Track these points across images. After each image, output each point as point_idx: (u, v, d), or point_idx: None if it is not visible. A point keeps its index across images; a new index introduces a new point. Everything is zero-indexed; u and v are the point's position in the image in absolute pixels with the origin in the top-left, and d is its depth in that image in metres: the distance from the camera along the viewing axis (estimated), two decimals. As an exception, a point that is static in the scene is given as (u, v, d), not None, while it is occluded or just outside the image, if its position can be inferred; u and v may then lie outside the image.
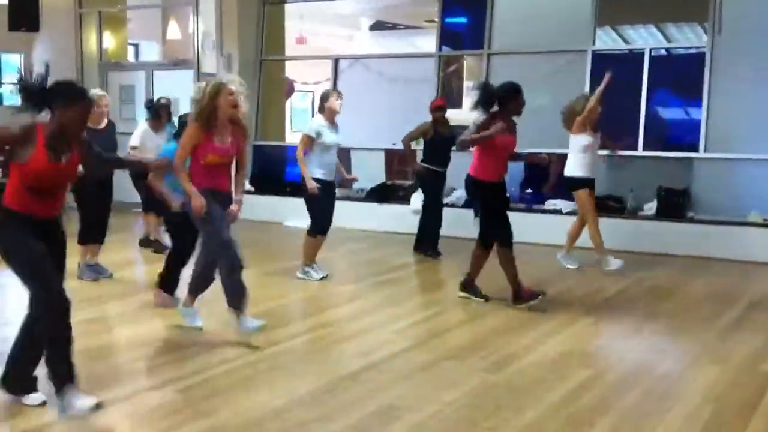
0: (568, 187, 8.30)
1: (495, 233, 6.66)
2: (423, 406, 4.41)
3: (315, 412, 4.34)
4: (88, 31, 13.74)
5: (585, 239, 8.39)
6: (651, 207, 9.64)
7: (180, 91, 12.70)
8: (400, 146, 9.93)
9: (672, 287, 7.73)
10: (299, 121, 16.30)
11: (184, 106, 12.42)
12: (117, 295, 7.02)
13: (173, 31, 14.17)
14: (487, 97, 6.54)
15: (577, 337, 6.04)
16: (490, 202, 6.68)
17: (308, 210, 7.56)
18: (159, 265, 6.75)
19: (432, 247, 9.04)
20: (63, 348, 4.10)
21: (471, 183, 6.69)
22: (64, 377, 4.09)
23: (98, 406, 4.08)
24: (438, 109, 9.04)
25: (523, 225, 9.99)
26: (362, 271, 8.38)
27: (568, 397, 4.59)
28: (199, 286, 5.77)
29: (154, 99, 9.55)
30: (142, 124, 8.87)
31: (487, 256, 6.81)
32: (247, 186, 11.93)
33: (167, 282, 6.52)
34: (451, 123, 9.23)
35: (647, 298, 7.13)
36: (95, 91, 7.54)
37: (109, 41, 13.98)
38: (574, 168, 8.17)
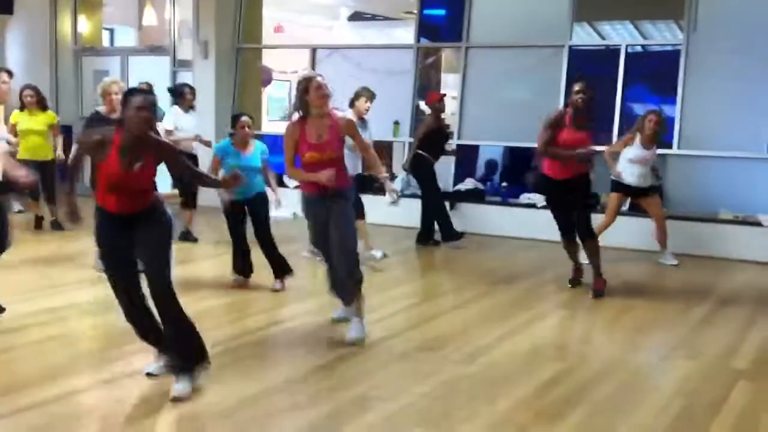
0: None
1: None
2: (397, 397, 4.43)
3: (289, 401, 4.35)
4: (63, 14, 13.57)
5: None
6: (624, 203, 9.70)
7: (155, 77, 12.62)
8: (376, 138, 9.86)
9: (644, 282, 7.81)
10: (276, 111, 16.22)
11: (159, 93, 12.31)
12: (91, 282, 6.96)
13: (149, 17, 14.03)
14: None
15: (551, 329, 6.09)
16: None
17: None
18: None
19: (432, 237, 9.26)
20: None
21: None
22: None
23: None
24: (441, 101, 9.24)
25: (499, 218, 10.16)
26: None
27: (541, 390, 4.63)
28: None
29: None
30: (173, 108, 9.10)
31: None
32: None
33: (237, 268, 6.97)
34: (430, 114, 9.32)
35: (620, 293, 7.20)
36: (106, 78, 7.59)
37: (84, 26, 13.81)
38: None
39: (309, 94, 5.24)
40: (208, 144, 9.00)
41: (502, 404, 4.37)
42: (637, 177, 8.35)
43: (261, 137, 12.46)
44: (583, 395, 4.57)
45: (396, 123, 11.25)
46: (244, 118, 6.81)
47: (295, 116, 5.39)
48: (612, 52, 10.31)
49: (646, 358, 5.46)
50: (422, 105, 11.24)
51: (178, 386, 4.28)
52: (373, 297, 6.79)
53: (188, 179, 5.57)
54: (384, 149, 12.09)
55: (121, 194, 4.25)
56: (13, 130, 8.97)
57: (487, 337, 5.66)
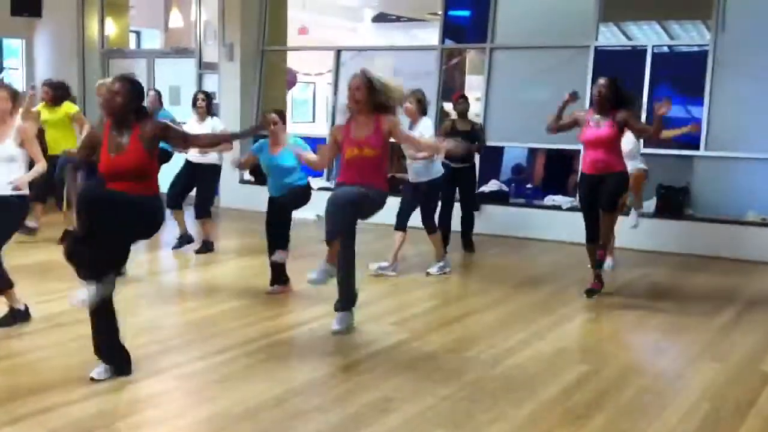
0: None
1: None
2: (420, 399, 4.41)
3: (313, 402, 4.35)
4: (90, 17, 13.69)
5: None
6: (650, 204, 9.64)
7: (181, 79, 12.74)
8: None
9: (671, 285, 7.73)
10: (300, 113, 16.28)
11: (185, 95, 12.45)
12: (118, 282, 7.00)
13: (175, 20, 14.15)
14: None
15: (575, 332, 6.05)
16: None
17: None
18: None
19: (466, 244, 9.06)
20: None
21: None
22: None
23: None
24: (458, 100, 8.96)
25: (523, 220, 10.11)
26: (363, 262, 8.34)
27: (565, 392, 4.60)
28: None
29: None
30: (190, 118, 8.93)
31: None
32: (247, 176, 11.96)
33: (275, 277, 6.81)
34: (452, 117, 9.20)
35: (646, 296, 7.14)
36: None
37: (111, 28, 13.94)
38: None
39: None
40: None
41: (527, 407, 4.35)
42: None
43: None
44: (607, 398, 4.53)
45: (420, 124, 11.21)
46: (270, 116, 6.81)
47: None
48: (638, 53, 10.23)
49: (671, 361, 5.40)
50: (446, 107, 11.23)
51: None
52: (396, 299, 6.81)
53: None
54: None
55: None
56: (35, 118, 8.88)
57: (511, 339, 5.63)
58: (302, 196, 6.86)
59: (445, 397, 4.46)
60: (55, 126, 9.03)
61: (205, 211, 8.69)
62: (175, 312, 6.16)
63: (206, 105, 8.74)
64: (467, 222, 9.06)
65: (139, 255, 8.76)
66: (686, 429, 4.14)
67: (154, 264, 8.34)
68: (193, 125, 8.60)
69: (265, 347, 5.31)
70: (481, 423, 4.11)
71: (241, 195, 11.78)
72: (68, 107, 9.18)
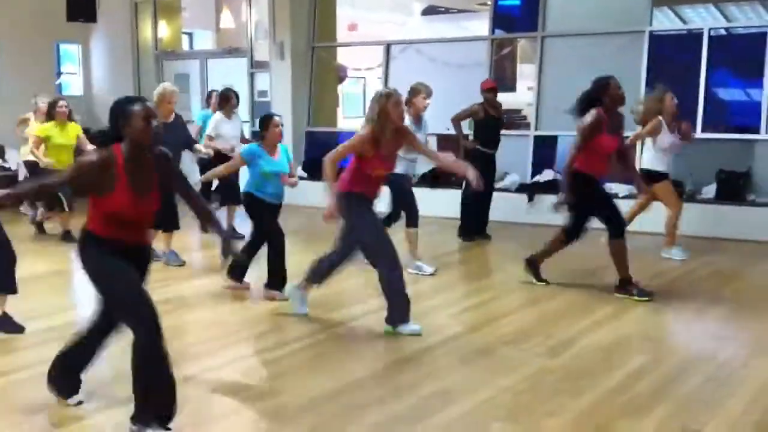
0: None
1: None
2: (479, 391, 4.40)
3: (373, 395, 4.37)
4: (144, 20, 13.95)
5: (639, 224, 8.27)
6: (710, 190, 9.44)
7: (233, 79, 12.89)
8: (453, 131, 9.80)
9: (733, 273, 7.56)
10: (351, 107, 16.32)
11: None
12: (183, 277, 7.17)
13: (226, 20, 14.33)
14: (584, 104, 6.39)
15: (636, 322, 5.96)
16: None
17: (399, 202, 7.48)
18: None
19: (480, 231, 9.02)
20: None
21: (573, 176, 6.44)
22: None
23: None
24: (489, 91, 8.99)
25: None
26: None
27: (626, 383, 4.54)
28: (325, 276, 5.80)
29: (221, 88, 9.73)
30: (216, 115, 9.04)
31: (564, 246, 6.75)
32: (300, 172, 12.04)
33: (235, 269, 6.57)
34: (505, 107, 9.18)
35: (708, 284, 7.00)
36: (167, 86, 7.69)
37: (164, 30, 14.17)
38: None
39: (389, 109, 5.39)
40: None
41: (587, 398, 4.30)
42: (667, 164, 7.97)
43: (338, 134, 12.71)
44: (669, 389, 4.46)
45: (472, 116, 11.16)
46: (278, 118, 6.54)
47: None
48: (694, 37, 10.02)
49: (734, 351, 5.28)
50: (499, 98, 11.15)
51: None
52: (450, 291, 6.79)
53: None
54: (459, 138, 12.08)
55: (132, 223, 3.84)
56: (38, 143, 8.64)
57: (569, 330, 5.58)
58: None
59: (505, 388, 4.44)
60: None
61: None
62: (235, 308, 6.23)
63: (237, 103, 9.09)
64: (486, 207, 9.09)
65: (205, 252, 8.92)
66: (750, 420, 4.05)
67: (216, 261, 8.43)
68: (221, 123, 8.91)
69: (324, 341, 5.35)
70: (541, 415, 4.08)
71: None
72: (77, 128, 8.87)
